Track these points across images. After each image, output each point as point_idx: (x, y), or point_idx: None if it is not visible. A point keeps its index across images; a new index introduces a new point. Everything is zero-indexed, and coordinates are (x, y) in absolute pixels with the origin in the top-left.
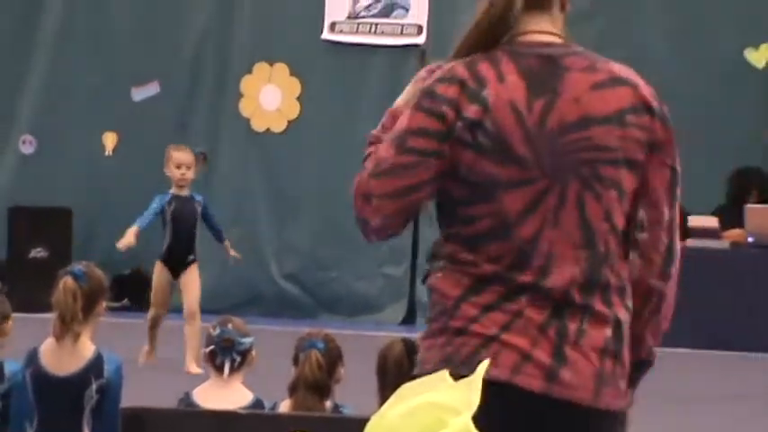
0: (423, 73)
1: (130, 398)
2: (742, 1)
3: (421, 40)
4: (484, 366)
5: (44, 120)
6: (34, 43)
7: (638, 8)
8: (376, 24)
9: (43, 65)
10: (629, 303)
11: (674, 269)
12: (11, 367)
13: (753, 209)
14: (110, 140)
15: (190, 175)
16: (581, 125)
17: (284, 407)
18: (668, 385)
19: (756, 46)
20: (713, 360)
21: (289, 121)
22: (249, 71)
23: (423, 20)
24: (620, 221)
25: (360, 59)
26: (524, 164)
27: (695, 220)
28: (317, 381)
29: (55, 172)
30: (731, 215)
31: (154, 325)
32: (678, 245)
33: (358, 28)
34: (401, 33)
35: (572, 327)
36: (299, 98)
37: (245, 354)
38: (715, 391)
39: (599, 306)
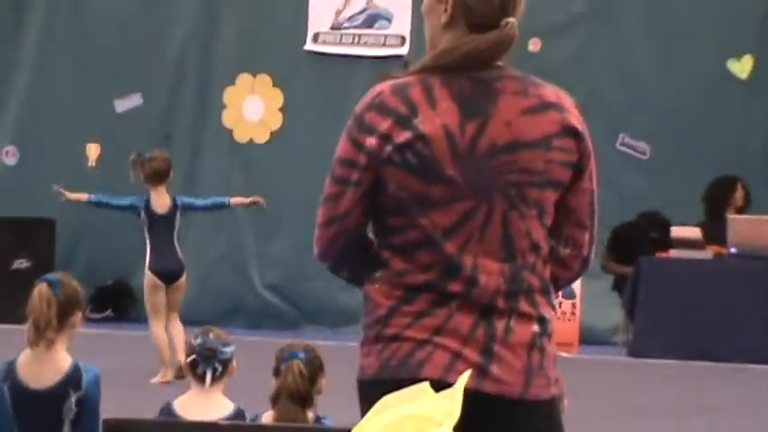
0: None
1: (111, 410)
2: (724, 12)
3: (404, 50)
4: (465, 377)
5: (27, 130)
6: (16, 54)
7: (620, 20)
8: (359, 35)
9: (26, 76)
10: (554, 301)
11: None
12: None
13: (735, 219)
14: (93, 151)
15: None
16: (510, 148)
17: (266, 418)
18: (652, 396)
19: (739, 57)
20: (697, 371)
21: (272, 132)
22: (232, 82)
23: (405, 30)
24: (539, 236)
25: (343, 70)
26: (453, 184)
27: (678, 231)
28: (299, 390)
29: (38, 182)
30: (712, 226)
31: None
32: (593, 253)
33: (341, 39)
34: (384, 44)
35: (499, 326)
36: (281, 109)
37: (226, 363)
38: (698, 401)
39: (524, 307)
